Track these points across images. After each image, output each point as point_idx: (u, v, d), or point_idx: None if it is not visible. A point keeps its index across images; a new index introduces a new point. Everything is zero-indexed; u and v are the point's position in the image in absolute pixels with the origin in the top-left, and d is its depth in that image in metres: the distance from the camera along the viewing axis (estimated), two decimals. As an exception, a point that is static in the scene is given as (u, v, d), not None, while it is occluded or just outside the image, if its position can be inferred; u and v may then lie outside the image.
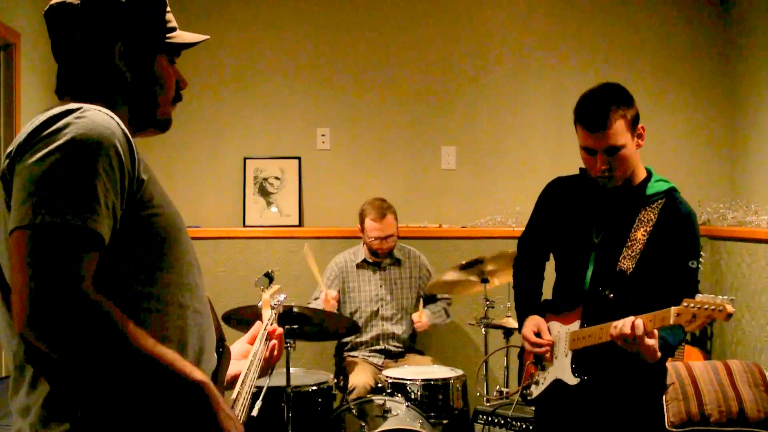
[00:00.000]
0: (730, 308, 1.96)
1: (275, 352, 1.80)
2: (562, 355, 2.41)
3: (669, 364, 3.57)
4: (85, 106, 1.32)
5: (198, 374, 1.33)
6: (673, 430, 3.39)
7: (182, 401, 1.31)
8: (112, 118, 1.32)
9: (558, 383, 2.41)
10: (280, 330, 1.84)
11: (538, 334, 2.46)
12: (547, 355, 2.43)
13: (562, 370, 2.40)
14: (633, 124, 2.29)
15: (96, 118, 1.30)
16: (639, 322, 2.11)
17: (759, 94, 4.18)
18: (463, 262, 3.81)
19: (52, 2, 1.45)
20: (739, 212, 4.22)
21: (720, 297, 1.98)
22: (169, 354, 1.30)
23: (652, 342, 2.12)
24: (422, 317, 3.97)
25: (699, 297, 2.02)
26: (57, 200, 1.21)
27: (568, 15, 4.62)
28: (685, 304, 2.03)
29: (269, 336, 1.82)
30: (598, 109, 2.24)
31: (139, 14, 1.46)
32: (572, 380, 2.34)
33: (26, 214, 1.21)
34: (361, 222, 4.04)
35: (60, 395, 1.28)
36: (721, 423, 3.38)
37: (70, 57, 1.45)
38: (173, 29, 1.52)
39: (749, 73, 4.31)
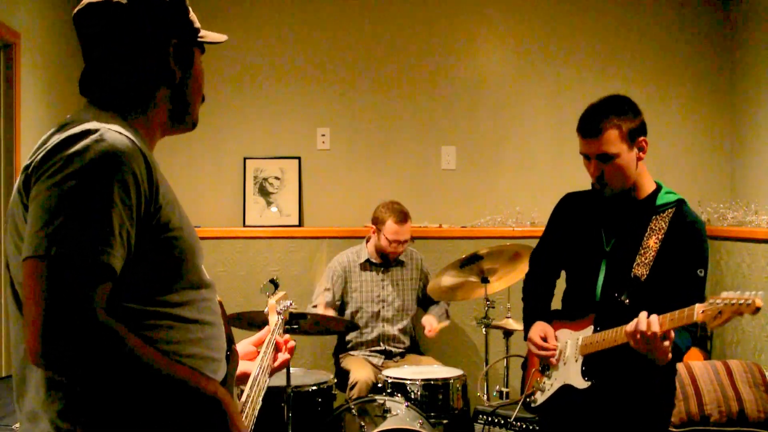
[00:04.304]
0: (759, 302, 1.93)
1: (280, 362, 1.84)
2: (571, 360, 2.42)
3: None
4: (104, 127, 1.28)
5: (214, 388, 1.35)
6: (673, 430, 3.39)
7: (199, 416, 1.33)
8: (132, 141, 1.29)
9: (565, 389, 2.41)
10: (292, 343, 1.88)
11: (544, 340, 2.48)
12: (552, 359, 2.45)
13: (570, 375, 2.40)
14: (630, 135, 2.32)
15: (116, 141, 1.27)
16: (654, 318, 2.10)
17: (759, 94, 4.18)
18: (462, 257, 3.79)
19: (89, 0, 1.40)
20: (739, 212, 4.22)
21: (748, 292, 1.97)
22: (184, 371, 1.32)
23: (666, 344, 2.11)
24: (433, 324, 3.98)
25: (724, 294, 2.01)
26: (72, 231, 1.20)
27: (568, 16, 4.62)
28: (710, 300, 2.02)
29: (277, 346, 1.85)
30: (593, 117, 2.34)
31: (182, 13, 1.46)
32: (582, 384, 2.35)
33: (40, 243, 1.20)
34: (379, 223, 4.01)
35: (75, 410, 1.28)
36: (721, 423, 3.38)
37: (113, 57, 1.40)
38: (199, 29, 1.51)
39: (749, 74, 4.31)
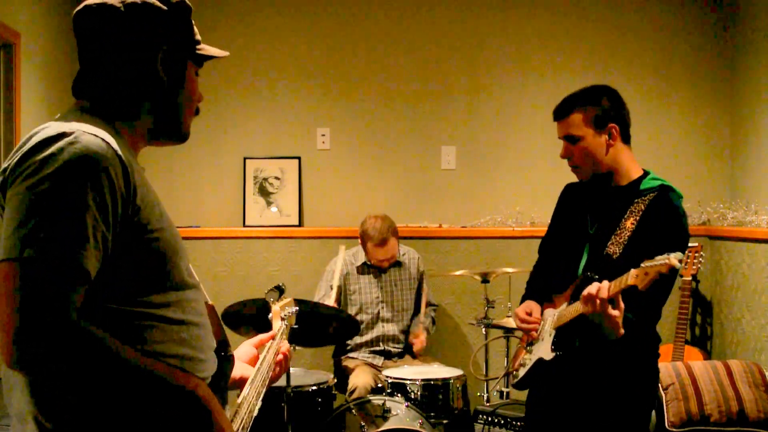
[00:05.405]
0: (673, 261, 2.00)
1: (278, 370, 1.83)
2: (547, 334, 2.48)
3: (669, 364, 3.59)
4: (79, 129, 1.28)
5: (194, 384, 1.34)
6: (673, 430, 3.40)
7: (178, 410, 1.33)
8: (108, 143, 1.29)
9: (539, 362, 2.48)
10: (286, 347, 1.87)
11: (529, 315, 2.56)
12: (533, 333, 2.53)
13: (543, 347, 2.47)
14: (596, 120, 2.43)
15: (90, 144, 1.26)
16: (605, 283, 2.16)
17: (759, 94, 4.18)
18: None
19: (87, 2, 1.42)
20: (739, 212, 4.22)
21: (670, 254, 2.02)
22: (164, 368, 1.31)
23: (616, 313, 2.15)
24: (423, 341, 3.96)
25: (656, 257, 2.07)
26: (45, 234, 1.20)
27: (569, 15, 4.62)
28: (642, 265, 2.08)
29: (278, 351, 1.84)
30: (563, 102, 2.55)
31: (178, 23, 1.47)
32: (549, 355, 2.41)
33: (14, 246, 1.20)
34: (363, 243, 4.04)
35: (60, 410, 1.28)
36: (721, 423, 3.38)
37: (104, 59, 1.41)
38: (199, 41, 1.52)
39: (749, 74, 4.31)
